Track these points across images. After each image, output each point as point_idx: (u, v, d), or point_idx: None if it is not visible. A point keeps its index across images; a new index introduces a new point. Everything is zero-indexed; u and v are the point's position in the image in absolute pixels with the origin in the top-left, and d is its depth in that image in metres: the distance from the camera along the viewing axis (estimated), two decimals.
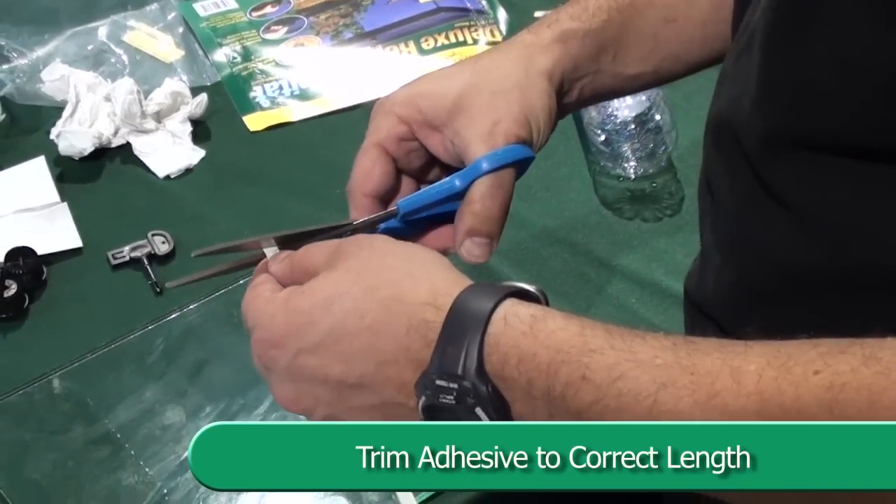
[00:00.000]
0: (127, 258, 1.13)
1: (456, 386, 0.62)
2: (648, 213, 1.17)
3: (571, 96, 0.84)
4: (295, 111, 1.30)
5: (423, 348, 0.64)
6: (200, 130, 1.26)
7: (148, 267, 1.12)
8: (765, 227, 0.70)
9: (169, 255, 1.13)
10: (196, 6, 1.42)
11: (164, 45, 1.36)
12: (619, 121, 1.20)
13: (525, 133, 0.78)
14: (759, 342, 0.58)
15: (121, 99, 1.23)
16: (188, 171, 1.23)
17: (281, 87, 1.32)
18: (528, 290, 0.65)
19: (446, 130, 0.79)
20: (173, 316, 1.08)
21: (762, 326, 0.59)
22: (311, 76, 1.33)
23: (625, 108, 1.20)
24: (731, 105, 0.74)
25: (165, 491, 0.95)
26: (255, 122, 1.28)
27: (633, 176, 1.18)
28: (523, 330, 0.62)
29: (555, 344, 0.61)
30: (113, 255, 1.13)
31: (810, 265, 0.59)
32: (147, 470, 0.96)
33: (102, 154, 1.23)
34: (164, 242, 1.13)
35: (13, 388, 1.01)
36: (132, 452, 0.97)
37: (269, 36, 1.38)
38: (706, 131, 0.78)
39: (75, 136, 1.21)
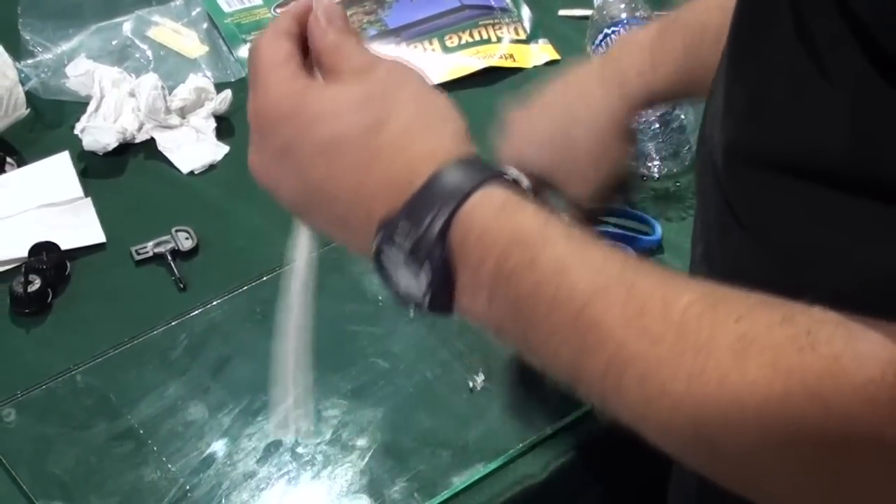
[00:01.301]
0: (150, 254, 1.13)
1: (417, 235, 0.63)
2: (672, 212, 1.17)
3: None
4: None
5: (404, 191, 0.65)
6: (224, 126, 1.27)
7: (171, 263, 1.12)
8: (725, 248, 0.71)
9: (193, 251, 1.14)
10: (221, 2, 1.42)
11: (188, 41, 1.37)
12: (643, 119, 1.19)
13: None
14: (704, 282, 0.60)
15: (145, 94, 1.23)
16: (212, 166, 1.23)
17: None
18: (517, 178, 0.67)
19: None
20: (196, 312, 1.08)
21: None
22: None
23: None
24: (710, 120, 0.75)
25: (188, 487, 0.95)
26: None
27: (657, 175, 1.18)
28: (493, 209, 0.64)
29: (516, 227, 0.63)
30: (136, 251, 1.13)
31: (767, 286, 0.60)
32: (169, 466, 0.96)
33: (126, 149, 1.23)
34: (187, 238, 1.14)
35: (36, 383, 1.02)
36: (154, 448, 0.97)
37: None
38: (697, 153, 0.79)
39: (99, 131, 1.21)
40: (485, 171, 0.65)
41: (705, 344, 0.57)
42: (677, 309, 0.58)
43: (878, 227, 0.59)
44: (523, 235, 0.63)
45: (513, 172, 0.67)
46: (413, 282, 0.65)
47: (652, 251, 1.13)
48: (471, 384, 1.03)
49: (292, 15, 0.73)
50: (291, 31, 0.72)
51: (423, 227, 0.64)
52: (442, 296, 0.65)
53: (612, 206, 1.09)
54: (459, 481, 0.96)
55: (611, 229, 1.14)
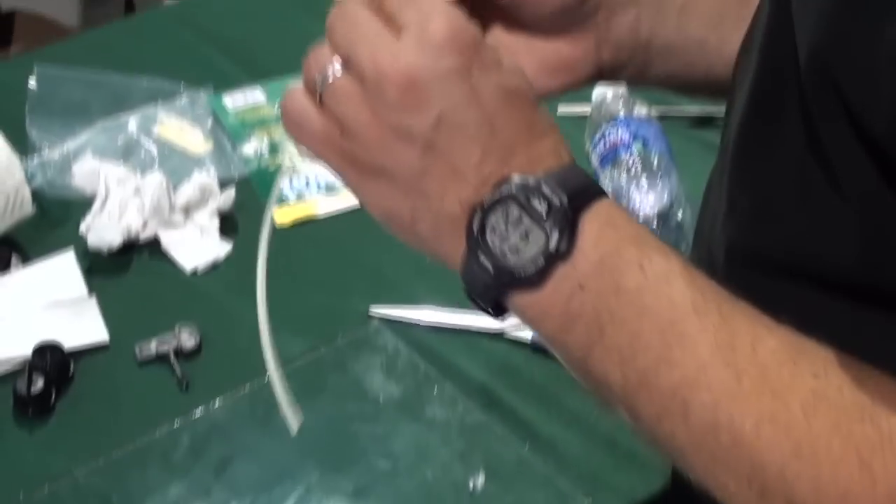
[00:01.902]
0: (154, 353, 1.13)
1: (559, 203, 0.62)
2: None
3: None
4: (321, 205, 1.31)
5: (547, 155, 0.64)
6: (228, 224, 1.28)
7: (174, 362, 1.12)
8: None
9: (196, 350, 1.14)
10: (225, 99, 1.44)
11: (193, 138, 1.38)
12: (641, 217, 1.21)
13: None
14: (790, 330, 0.61)
15: (150, 193, 1.24)
16: (215, 265, 1.24)
17: (308, 182, 1.33)
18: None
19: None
20: (199, 412, 1.09)
21: None
22: None
23: (647, 205, 1.21)
24: (712, 219, 0.75)
25: None
26: (282, 216, 1.30)
27: None
28: (618, 209, 0.65)
29: (638, 231, 0.64)
30: (140, 350, 1.13)
31: None
32: None
33: (131, 247, 1.24)
34: (190, 337, 1.14)
35: (38, 485, 1.02)
36: None
37: None
38: (693, 246, 0.80)
39: (105, 229, 1.22)
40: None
41: (782, 392, 0.59)
42: (764, 352, 0.60)
43: (884, 336, 0.61)
44: (643, 240, 0.63)
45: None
46: (525, 246, 0.63)
47: None
48: (471, 485, 1.03)
49: None
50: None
51: (569, 195, 0.62)
52: (555, 259, 0.62)
53: None
54: None
55: None
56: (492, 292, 0.64)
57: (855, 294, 0.62)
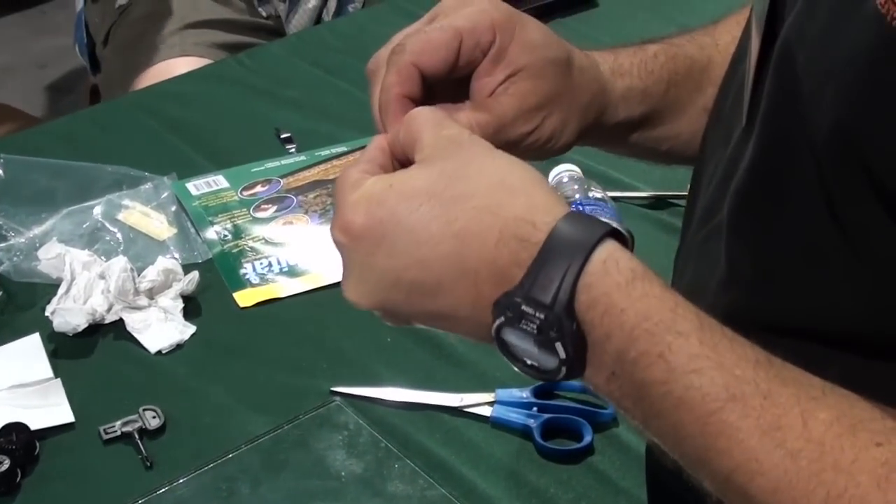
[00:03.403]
0: (118, 433, 1.14)
1: (542, 317, 0.61)
2: None
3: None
4: (284, 287, 1.33)
5: (511, 266, 0.62)
6: (192, 306, 1.29)
7: (139, 442, 1.13)
8: None
9: (160, 430, 1.15)
10: (189, 185, 1.46)
11: (157, 224, 1.39)
12: None
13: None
14: (835, 391, 0.59)
15: (115, 277, 1.25)
16: (179, 346, 1.25)
17: (270, 264, 1.35)
18: (620, 232, 0.64)
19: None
20: (163, 490, 1.09)
21: None
22: (299, 253, 1.36)
23: None
24: (697, 285, 0.76)
25: None
26: (245, 298, 1.31)
27: None
28: (619, 281, 0.61)
29: (645, 310, 0.60)
30: (105, 430, 1.14)
31: None
32: None
33: (96, 330, 1.25)
34: (154, 417, 1.15)
35: None
36: None
37: (259, 214, 1.42)
38: None
39: (70, 312, 1.23)
40: (596, 227, 0.63)
41: (847, 467, 0.56)
42: (817, 427, 0.57)
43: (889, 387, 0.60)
44: (652, 324, 0.60)
45: (613, 224, 0.65)
46: (547, 357, 0.63)
47: (607, 425, 1.15)
48: None
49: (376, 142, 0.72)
50: (363, 156, 0.71)
51: (546, 306, 0.61)
52: (577, 364, 0.62)
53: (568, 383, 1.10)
54: None
55: (569, 404, 1.17)
56: (556, 378, 0.65)
57: (862, 346, 0.62)
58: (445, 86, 0.78)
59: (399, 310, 0.68)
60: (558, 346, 0.62)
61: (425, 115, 0.70)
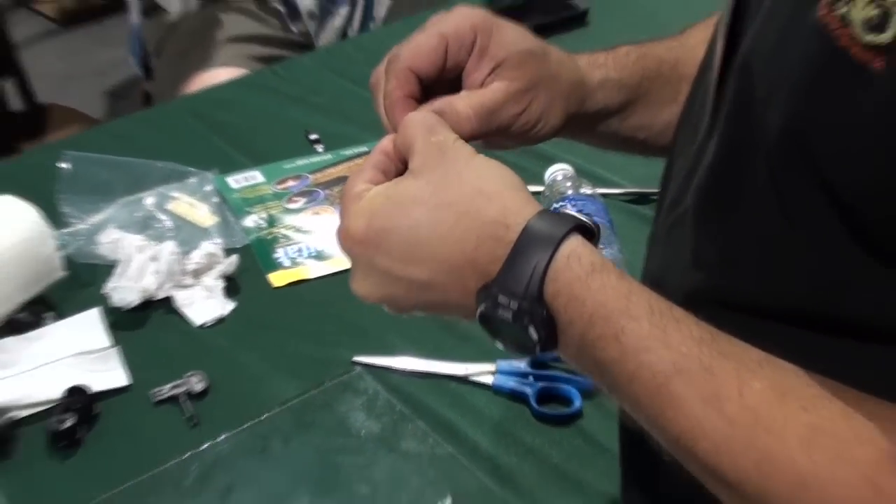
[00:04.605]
0: (167, 395, 1.14)
1: (516, 306, 0.62)
2: None
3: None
4: (312, 270, 1.33)
5: (490, 262, 0.63)
6: (231, 286, 1.29)
7: (184, 403, 1.14)
8: None
9: (204, 393, 1.15)
10: (229, 179, 1.46)
11: (201, 213, 1.39)
12: None
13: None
14: (770, 363, 0.59)
15: (164, 259, 1.26)
16: (220, 320, 1.25)
17: (300, 250, 1.35)
18: (586, 224, 0.65)
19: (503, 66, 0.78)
20: (206, 446, 1.09)
21: None
22: (325, 240, 1.36)
23: None
24: (664, 267, 0.76)
25: None
26: (277, 278, 1.31)
27: None
28: (580, 275, 0.62)
29: (602, 299, 0.61)
30: (155, 393, 1.14)
31: None
32: None
33: (148, 305, 1.25)
34: (198, 382, 1.15)
35: None
36: None
37: (290, 206, 1.42)
38: None
39: (125, 290, 1.23)
40: (561, 223, 0.64)
41: (777, 430, 0.57)
42: (752, 395, 0.58)
43: (838, 356, 0.60)
44: (607, 311, 0.61)
45: (579, 217, 0.66)
46: (524, 337, 0.64)
47: (594, 392, 1.15)
48: None
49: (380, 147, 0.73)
50: (366, 164, 0.72)
51: (518, 296, 0.62)
52: (550, 343, 0.64)
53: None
54: None
55: (561, 374, 1.16)
56: (534, 354, 0.67)
57: (807, 321, 0.62)
58: (440, 87, 0.78)
59: (400, 302, 0.70)
60: (531, 329, 0.63)
61: (419, 121, 0.72)
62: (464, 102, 0.76)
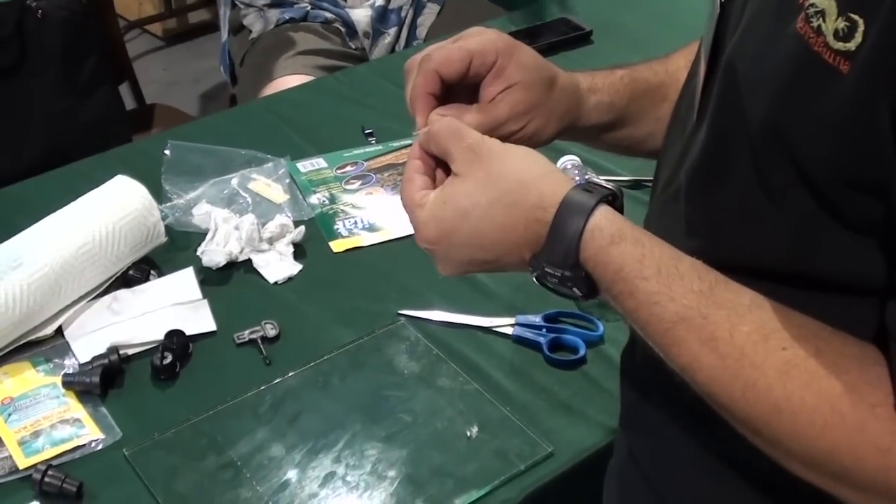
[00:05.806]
0: (246, 339, 1.14)
1: (559, 273, 0.67)
2: (611, 314, 1.15)
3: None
4: (365, 239, 1.31)
5: (536, 240, 0.67)
6: (299, 251, 1.28)
7: (261, 346, 1.13)
8: None
9: (276, 338, 1.15)
10: (298, 165, 1.45)
11: (275, 192, 1.38)
12: None
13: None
14: (759, 308, 0.60)
15: (245, 228, 1.25)
16: (290, 278, 1.24)
17: (356, 222, 1.34)
18: (612, 192, 0.67)
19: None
20: (278, 380, 1.09)
21: None
22: (377, 215, 1.35)
23: None
24: (661, 238, 0.74)
25: (271, 503, 0.95)
26: (337, 245, 1.30)
27: None
28: (602, 245, 0.65)
29: (620, 263, 0.64)
30: (237, 337, 1.14)
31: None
32: (258, 488, 0.97)
33: (232, 266, 1.25)
34: (272, 328, 1.15)
35: (167, 428, 1.03)
36: (248, 475, 0.98)
37: (348, 187, 1.41)
38: None
39: (214, 253, 1.23)
40: (588, 199, 0.65)
41: (760, 364, 0.59)
42: (740, 337, 0.60)
43: (808, 306, 0.61)
44: (625, 273, 0.64)
45: (604, 187, 0.68)
46: (569, 292, 0.68)
47: (596, 343, 1.14)
48: (468, 433, 1.03)
49: (417, 150, 0.74)
50: (412, 171, 0.73)
51: (560, 265, 0.66)
52: (591, 294, 0.67)
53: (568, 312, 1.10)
54: (460, 502, 0.97)
55: (569, 328, 1.15)
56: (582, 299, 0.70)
57: (785, 278, 0.62)
58: (460, 88, 0.78)
59: (474, 271, 0.74)
60: (574, 288, 0.68)
61: (447, 129, 0.72)
62: (472, 116, 0.76)
